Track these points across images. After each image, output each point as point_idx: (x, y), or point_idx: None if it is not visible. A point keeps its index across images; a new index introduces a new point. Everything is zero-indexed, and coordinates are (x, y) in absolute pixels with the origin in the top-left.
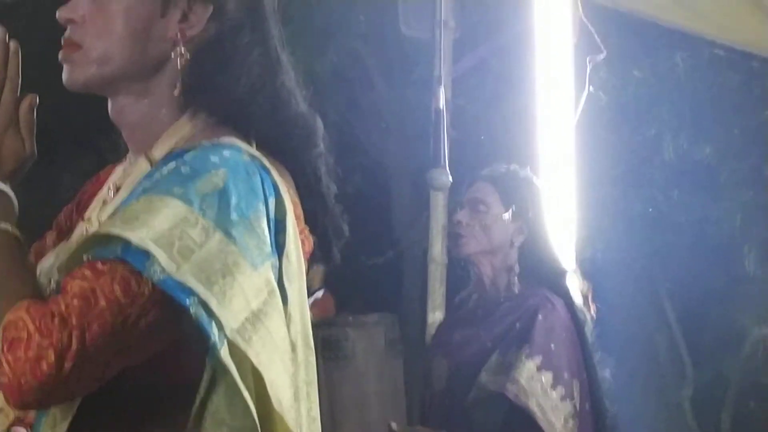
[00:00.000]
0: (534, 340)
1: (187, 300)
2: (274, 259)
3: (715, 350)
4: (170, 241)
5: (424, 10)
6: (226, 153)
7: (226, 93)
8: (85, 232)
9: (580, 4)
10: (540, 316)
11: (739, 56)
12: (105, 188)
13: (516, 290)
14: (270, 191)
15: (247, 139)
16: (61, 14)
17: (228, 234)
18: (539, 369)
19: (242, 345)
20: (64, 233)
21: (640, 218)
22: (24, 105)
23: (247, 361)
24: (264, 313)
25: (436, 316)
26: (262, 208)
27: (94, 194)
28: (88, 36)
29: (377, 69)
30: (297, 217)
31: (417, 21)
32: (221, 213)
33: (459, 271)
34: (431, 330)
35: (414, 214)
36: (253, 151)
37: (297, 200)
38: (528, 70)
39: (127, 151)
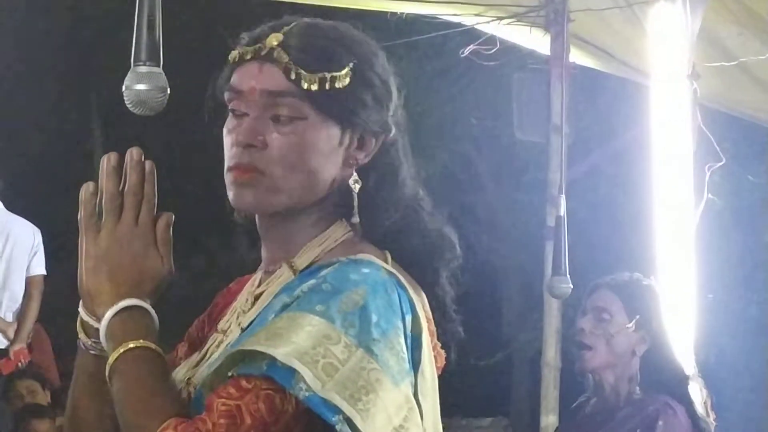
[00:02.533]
0: None
1: (333, 417)
2: (412, 376)
3: None
4: (314, 358)
5: (539, 115)
6: (366, 270)
7: (381, 217)
8: (221, 343)
9: (699, 112)
10: (661, 422)
11: None
12: (241, 299)
13: (637, 397)
14: (407, 309)
15: (382, 254)
16: (245, 138)
17: (370, 351)
18: None
19: None
20: (196, 345)
21: (755, 322)
22: (161, 223)
23: None
24: (405, 429)
25: (549, 419)
26: (401, 325)
27: (226, 306)
28: (276, 165)
29: (488, 172)
30: (430, 333)
31: (531, 125)
32: (362, 330)
33: (575, 376)
34: None
35: (524, 315)
36: (390, 267)
37: (431, 317)
38: (643, 177)
39: (250, 257)
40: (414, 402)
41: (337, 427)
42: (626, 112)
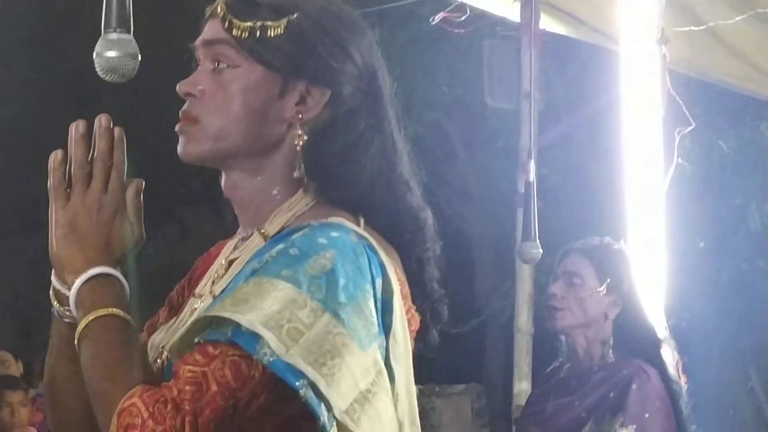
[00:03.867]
0: (628, 410)
1: (297, 382)
2: (381, 339)
3: None
4: (279, 323)
5: (509, 83)
6: (334, 234)
7: (347, 182)
8: (196, 308)
9: (668, 77)
10: (634, 386)
11: None
12: (217, 264)
13: (610, 361)
14: (377, 271)
15: (355, 217)
16: (181, 87)
17: (336, 315)
18: None
19: (351, 425)
20: (176, 309)
21: (725, 287)
22: (131, 190)
23: None
24: (372, 393)
25: (522, 386)
26: (370, 288)
27: (205, 270)
28: (207, 112)
29: (460, 140)
30: (404, 296)
31: (502, 93)
32: (329, 295)
33: (548, 341)
34: (517, 400)
35: (496, 283)
36: (361, 231)
37: (404, 279)
38: (614, 143)
39: (236, 226)
40: (382, 365)
41: (301, 392)
42: (597, 78)
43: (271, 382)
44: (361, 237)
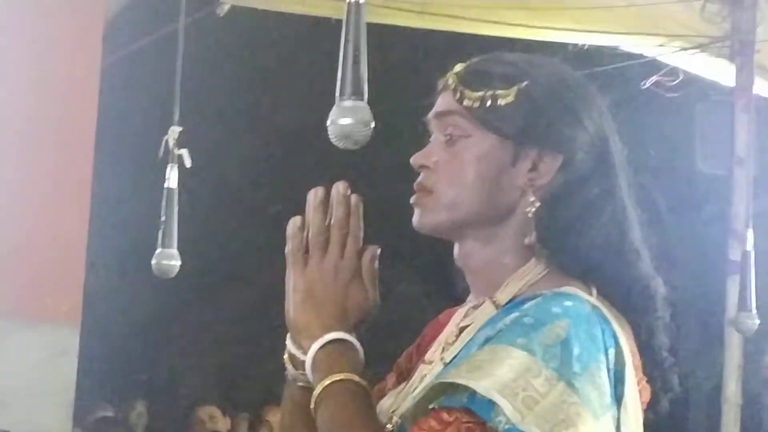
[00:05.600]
0: None
1: None
2: (614, 410)
3: None
4: (515, 391)
5: (721, 148)
6: (568, 303)
7: (578, 250)
8: (426, 374)
9: None
10: None
11: None
12: (446, 330)
13: None
14: (610, 342)
15: (587, 287)
16: (416, 160)
17: (570, 385)
18: None
19: None
20: (404, 376)
21: None
22: (367, 256)
23: None
24: None
25: None
26: (603, 358)
27: (434, 337)
28: (441, 182)
29: (667, 204)
30: (635, 367)
31: (713, 158)
32: (564, 364)
33: (756, 413)
34: None
35: (701, 351)
36: (594, 300)
37: (635, 349)
38: None
39: (467, 294)
40: None
41: None
42: None
43: None
44: (594, 307)
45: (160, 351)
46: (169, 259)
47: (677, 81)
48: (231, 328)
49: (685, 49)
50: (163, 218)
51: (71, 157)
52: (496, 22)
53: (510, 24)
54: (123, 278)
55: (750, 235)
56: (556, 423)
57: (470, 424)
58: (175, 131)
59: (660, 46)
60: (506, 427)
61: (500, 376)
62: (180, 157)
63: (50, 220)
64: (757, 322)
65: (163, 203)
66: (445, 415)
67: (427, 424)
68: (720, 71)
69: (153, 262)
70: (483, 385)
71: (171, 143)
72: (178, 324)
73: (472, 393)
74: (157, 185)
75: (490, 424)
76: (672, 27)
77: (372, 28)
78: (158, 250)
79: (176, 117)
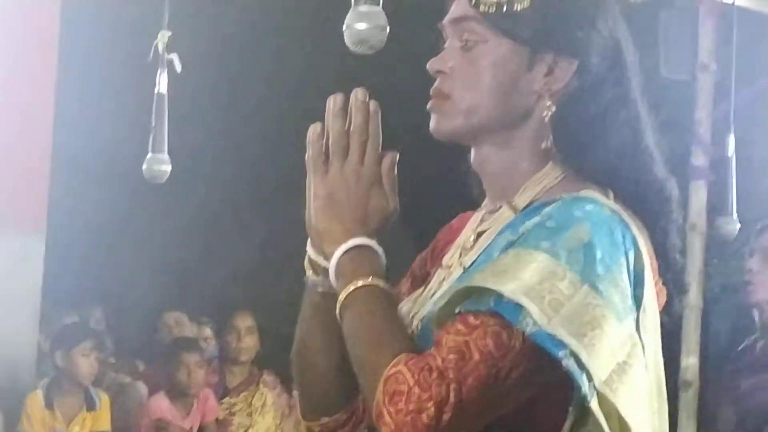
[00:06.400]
0: None
1: (560, 352)
2: (635, 312)
3: None
4: (541, 294)
5: (685, 53)
6: (589, 207)
7: (595, 154)
8: (444, 278)
9: None
10: None
11: None
12: (464, 236)
13: None
14: (629, 245)
15: (604, 192)
16: (432, 65)
17: (594, 287)
18: None
19: (610, 396)
20: (418, 281)
21: None
22: (386, 162)
23: (614, 411)
24: (628, 364)
25: (689, 360)
26: (624, 261)
27: (448, 242)
28: (458, 87)
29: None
30: (653, 270)
31: (677, 64)
32: (587, 266)
33: (741, 319)
34: (685, 375)
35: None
36: (613, 204)
37: (652, 252)
38: None
39: (482, 198)
40: (637, 338)
41: (563, 361)
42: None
43: (531, 352)
44: (613, 210)
45: (123, 258)
46: (159, 164)
47: None
48: (191, 234)
49: None
50: (153, 124)
51: (35, 62)
52: None
53: None
54: (87, 185)
55: (731, 139)
56: (581, 325)
57: (496, 327)
58: (165, 35)
59: None
60: (533, 329)
61: (526, 279)
62: (171, 62)
63: (14, 129)
64: (738, 225)
65: (153, 108)
66: (471, 319)
67: (454, 327)
68: None
69: (144, 167)
70: (510, 288)
71: (161, 48)
72: (140, 230)
73: (499, 296)
74: (123, 91)
75: (517, 327)
76: None
77: None
78: (149, 155)
79: (166, 20)
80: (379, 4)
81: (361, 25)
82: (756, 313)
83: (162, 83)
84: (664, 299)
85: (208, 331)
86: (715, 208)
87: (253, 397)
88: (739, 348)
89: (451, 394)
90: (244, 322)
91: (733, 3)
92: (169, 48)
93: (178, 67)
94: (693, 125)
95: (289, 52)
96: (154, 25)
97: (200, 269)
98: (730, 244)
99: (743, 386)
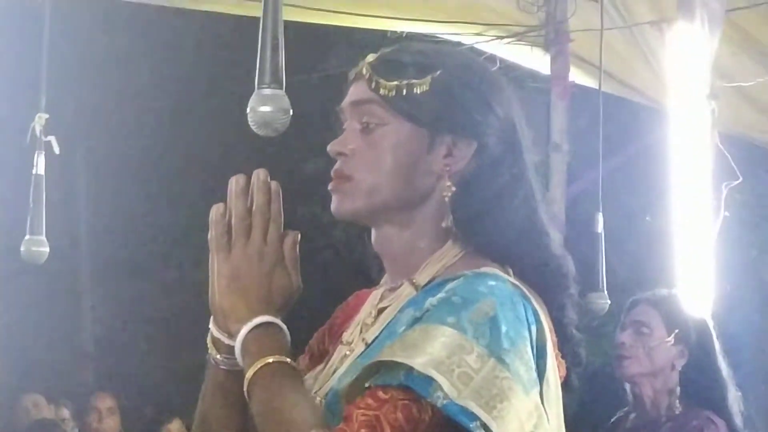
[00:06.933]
0: None
1: (471, 424)
2: (539, 384)
3: None
4: (450, 368)
5: (538, 134)
6: (492, 283)
7: (493, 232)
8: (346, 354)
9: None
10: None
11: None
12: (364, 312)
13: (677, 411)
14: (532, 319)
15: (504, 269)
16: (333, 148)
17: (501, 360)
18: None
19: None
20: (317, 358)
21: None
22: (288, 241)
23: None
24: None
25: None
26: (527, 335)
27: (346, 320)
28: (359, 169)
29: None
30: (553, 343)
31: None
32: (493, 340)
33: (615, 391)
34: None
35: None
36: (513, 280)
37: (552, 326)
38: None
39: (380, 277)
40: (542, 409)
41: None
42: (623, 129)
43: (440, 425)
44: (515, 285)
45: None
46: (38, 245)
47: (494, 69)
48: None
49: (501, 37)
50: (31, 205)
51: None
52: (316, 9)
53: (329, 11)
54: None
55: (600, 217)
56: (490, 397)
57: (406, 401)
58: (42, 118)
59: (477, 34)
60: (445, 402)
61: (435, 353)
62: (48, 143)
63: None
64: (608, 302)
65: (31, 190)
66: (381, 393)
67: (364, 402)
68: (537, 60)
69: (22, 249)
70: (420, 362)
71: (38, 130)
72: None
73: (409, 370)
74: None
75: (429, 400)
76: (489, 16)
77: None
78: (27, 237)
79: (43, 103)
80: (282, 88)
81: (265, 108)
82: (628, 387)
83: (40, 164)
84: (563, 372)
85: (66, 413)
86: (587, 283)
87: None
88: (612, 420)
89: None
90: (104, 402)
91: (599, 88)
92: (46, 130)
93: (56, 149)
94: (547, 205)
95: (176, 129)
96: (31, 108)
97: (62, 350)
98: (602, 318)
99: None
